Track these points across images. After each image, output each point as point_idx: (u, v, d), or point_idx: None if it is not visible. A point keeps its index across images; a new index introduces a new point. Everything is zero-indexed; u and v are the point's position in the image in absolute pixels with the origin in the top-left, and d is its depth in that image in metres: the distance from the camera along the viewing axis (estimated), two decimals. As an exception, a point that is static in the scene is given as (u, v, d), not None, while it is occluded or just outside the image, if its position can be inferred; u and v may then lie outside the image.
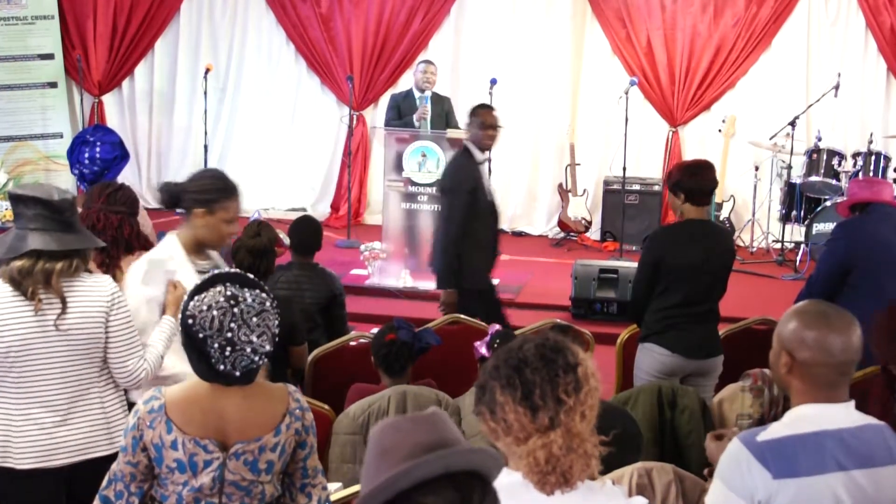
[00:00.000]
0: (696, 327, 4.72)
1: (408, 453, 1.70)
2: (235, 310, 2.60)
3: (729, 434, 2.83)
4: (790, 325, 2.45)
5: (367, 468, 1.75)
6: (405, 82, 10.36)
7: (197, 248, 3.75)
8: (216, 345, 2.59)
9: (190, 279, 3.54)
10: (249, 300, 2.63)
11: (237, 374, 2.63)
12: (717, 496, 2.41)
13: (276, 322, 2.67)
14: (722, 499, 2.39)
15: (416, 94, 8.71)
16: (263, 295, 2.67)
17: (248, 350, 2.61)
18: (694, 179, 4.70)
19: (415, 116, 8.48)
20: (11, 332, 3.20)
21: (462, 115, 8.63)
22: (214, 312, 2.59)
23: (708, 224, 4.87)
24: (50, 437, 3.24)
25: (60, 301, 3.21)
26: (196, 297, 2.64)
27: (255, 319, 2.62)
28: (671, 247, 4.70)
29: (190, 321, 2.62)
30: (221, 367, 2.61)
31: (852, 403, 2.44)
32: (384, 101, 10.47)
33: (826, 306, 2.50)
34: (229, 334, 2.59)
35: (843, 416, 2.41)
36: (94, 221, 4.14)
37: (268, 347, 2.64)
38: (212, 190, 3.75)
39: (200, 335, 2.60)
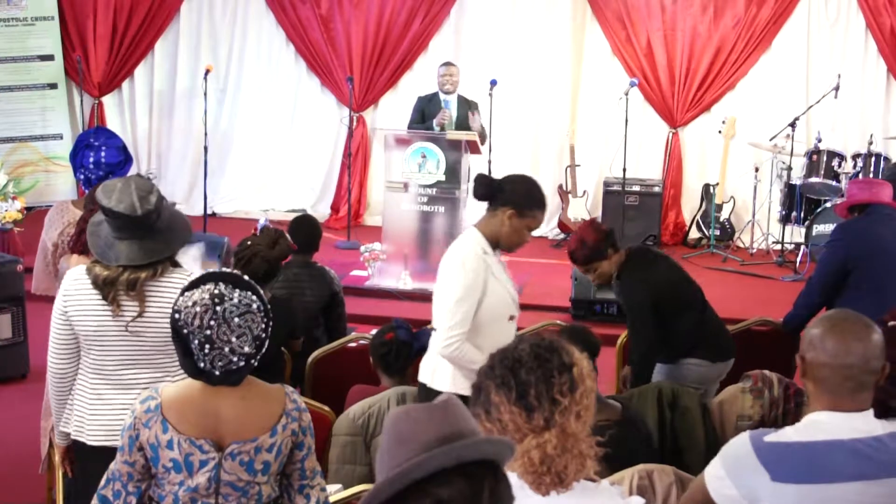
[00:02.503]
0: (720, 330, 4.76)
1: (422, 444, 1.71)
2: (218, 308, 2.60)
3: None
4: (811, 330, 2.46)
5: (382, 456, 1.77)
6: (405, 84, 10.38)
7: (492, 245, 3.88)
8: (196, 341, 2.60)
9: (499, 269, 3.85)
10: (235, 300, 2.63)
11: (217, 373, 2.63)
12: (714, 473, 2.45)
13: (263, 326, 2.66)
14: (717, 478, 2.44)
15: (441, 97, 8.68)
16: (253, 297, 2.66)
17: (227, 350, 2.61)
18: (607, 232, 4.65)
19: (435, 121, 8.44)
20: (90, 318, 3.27)
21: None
22: (197, 309, 2.60)
23: (645, 249, 4.97)
24: (118, 417, 3.27)
25: (139, 305, 3.24)
26: (186, 293, 2.65)
27: (236, 320, 2.61)
28: (665, 279, 4.65)
29: (176, 316, 2.63)
30: (202, 364, 2.62)
31: (870, 412, 2.41)
32: (384, 102, 10.51)
33: (850, 314, 2.48)
34: (208, 332, 2.59)
35: (859, 425, 2.38)
36: None
37: (247, 349, 2.63)
38: (530, 196, 3.87)
39: (184, 331, 2.62)
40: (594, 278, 4.69)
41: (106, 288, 3.23)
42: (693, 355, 4.64)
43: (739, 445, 2.41)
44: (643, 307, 4.56)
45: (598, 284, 4.75)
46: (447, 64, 8.89)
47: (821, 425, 2.38)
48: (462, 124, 8.50)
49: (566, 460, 2.07)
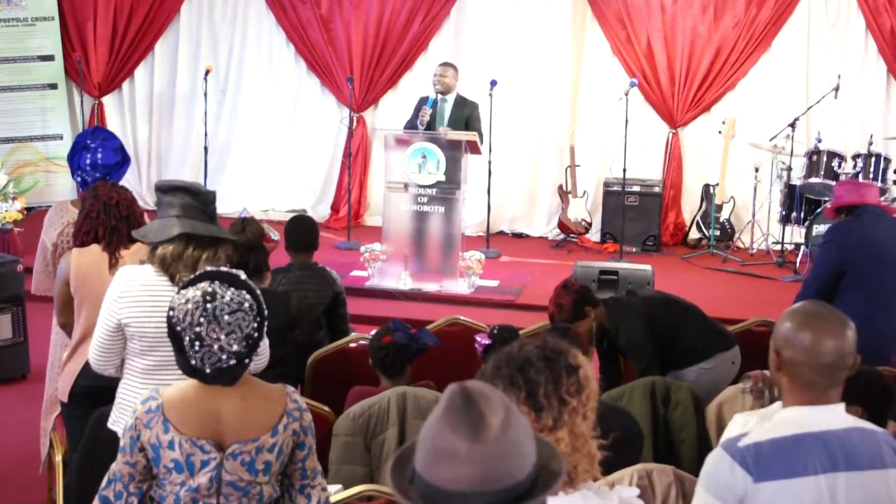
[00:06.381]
0: (718, 326, 4.82)
1: (447, 480, 1.64)
2: (209, 306, 2.62)
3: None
4: (783, 324, 2.46)
5: (418, 441, 1.70)
6: (405, 84, 10.39)
7: None
8: (187, 338, 2.62)
9: None
10: (227, 298, 2.64)
11: (207, 370, 2.64)
12: (698, 500, 2.43)
13: (255, 325, 2.67)
14: (702, 501, 2.40)
15: (433, 96, 8.62)
16: (247, 296, 2.67)
17: (216, 347, 2.62)
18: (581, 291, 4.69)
19: (417, 121, 8.44)
20: (149, 323, 3.32)
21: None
22: (189, 306, 2.62)
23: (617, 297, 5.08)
24: None
25: None
26: (182, 291, 2.67)
27: (226, 318, 2.62)
28: (651, 300, 4.76)
29: (171, 313, 2.65)
30: (193, 361, 2.64)
31: (841, 406, 2.42)
32: (384, 102, 10.51)
33: (821, 307, 2.50)
34: (198, 329, 2.61)
35: (829, 418, 2.39)
36: (107, 200, 4.07)
37: (236, 348, 2.64)
38: None
39: (177, 328, 2.64)
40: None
41: (174, 264, 3.29)
42: (714, 351, 4.68)
43: (717, 460, 2.40)
44: (645, 335, 4.62)
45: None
46: (442, 64, 8.88)
47: (792, 420, 2.40)
48: (455, 126, 8.41)
49: (576, 459, 2.09)
